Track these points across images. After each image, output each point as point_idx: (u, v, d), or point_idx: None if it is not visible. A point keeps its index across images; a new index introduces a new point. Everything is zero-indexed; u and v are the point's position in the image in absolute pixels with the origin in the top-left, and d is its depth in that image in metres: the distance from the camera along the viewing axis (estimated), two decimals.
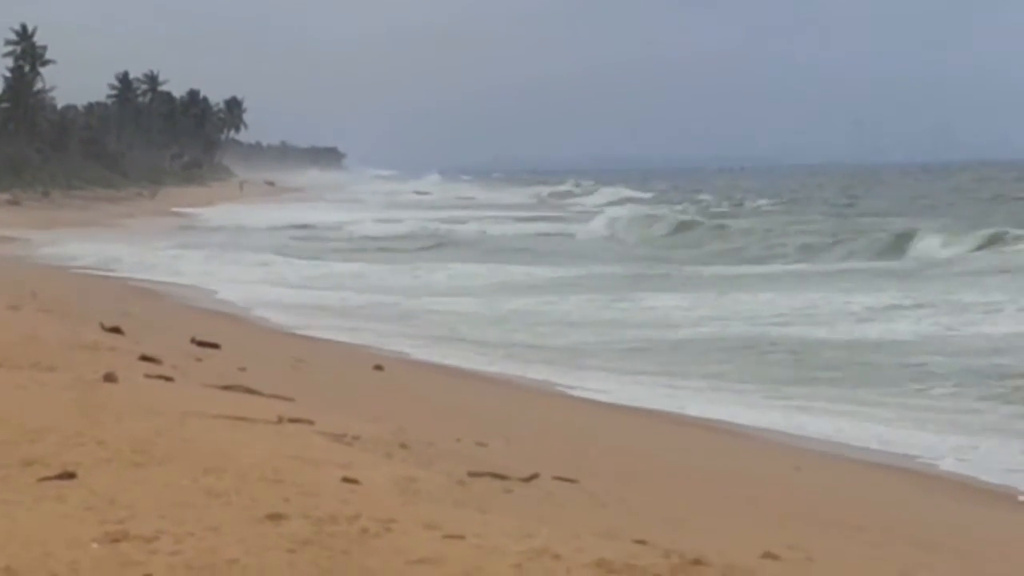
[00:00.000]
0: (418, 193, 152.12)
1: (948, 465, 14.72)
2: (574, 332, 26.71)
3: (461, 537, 6.52)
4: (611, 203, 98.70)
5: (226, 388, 12.37)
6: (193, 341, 17.38)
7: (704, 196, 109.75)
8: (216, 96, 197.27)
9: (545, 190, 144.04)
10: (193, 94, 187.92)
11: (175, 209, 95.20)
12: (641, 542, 7.13)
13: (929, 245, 49.33)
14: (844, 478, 14.17)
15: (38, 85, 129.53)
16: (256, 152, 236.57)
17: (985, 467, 14.64)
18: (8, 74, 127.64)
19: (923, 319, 28.51)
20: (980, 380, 20.17)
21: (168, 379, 12.54)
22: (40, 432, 8.59)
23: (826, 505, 11.90)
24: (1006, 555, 10.99)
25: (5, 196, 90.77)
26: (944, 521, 12.38)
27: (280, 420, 10.06)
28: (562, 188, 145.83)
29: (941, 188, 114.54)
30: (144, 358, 14.10)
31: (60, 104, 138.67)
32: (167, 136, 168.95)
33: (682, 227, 64.53)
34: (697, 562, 6.61)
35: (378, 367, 18.35)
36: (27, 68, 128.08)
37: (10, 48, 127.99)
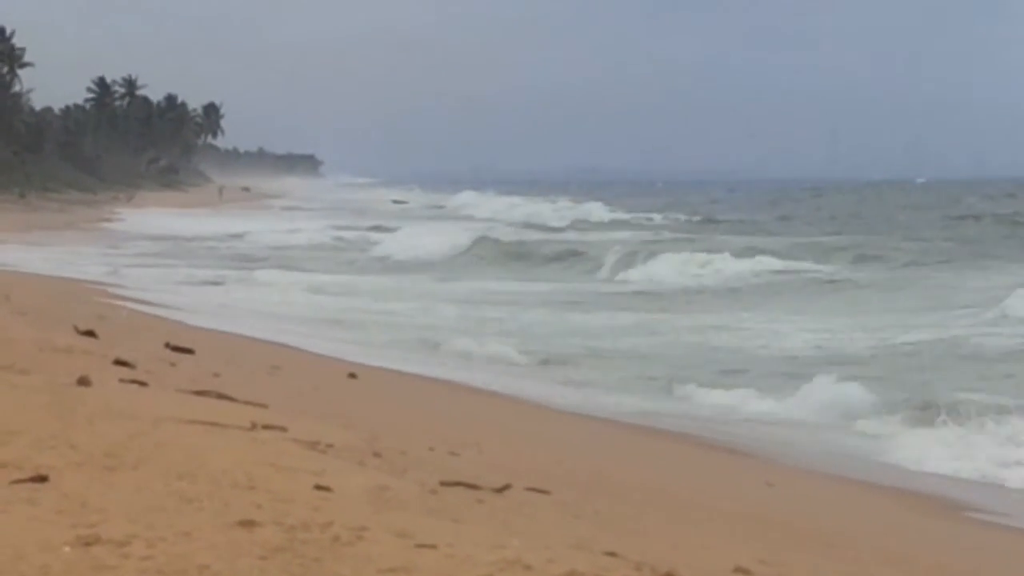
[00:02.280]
0: (396, 202, 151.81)
1: None
2: None
3: (433, 546, 6.53)
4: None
5: (200, 393, 12.34)
6: (167, 346, 17.35)
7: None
8: (194, 101, 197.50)
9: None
10: (171, 99, 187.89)
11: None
12: (612, 554, 7.15)
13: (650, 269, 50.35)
14: (816, 493, 14.22)
15: (15, 87, 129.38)
16: (233, 158, 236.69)
17: None
18: None
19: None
20: None
21: (142, 383, 12.51)
22: (12, 434, 8.56)
23: (798, 520, 11.94)
24: (978, 571, 11.05)
25: None
26: (917, 537, 12.44)
27: (254, 426, 10.05)
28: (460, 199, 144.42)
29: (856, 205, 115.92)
30: (118, 362, 14.07)
31: (37, 106, 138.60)
32: (144, 140, 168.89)
33: (478, 243, 63.62)
34: (668, 575, 6.63)
35: (352, 375, 18.35)
36: (5, 70, 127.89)
37: None
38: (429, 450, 11.04)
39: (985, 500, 14.58)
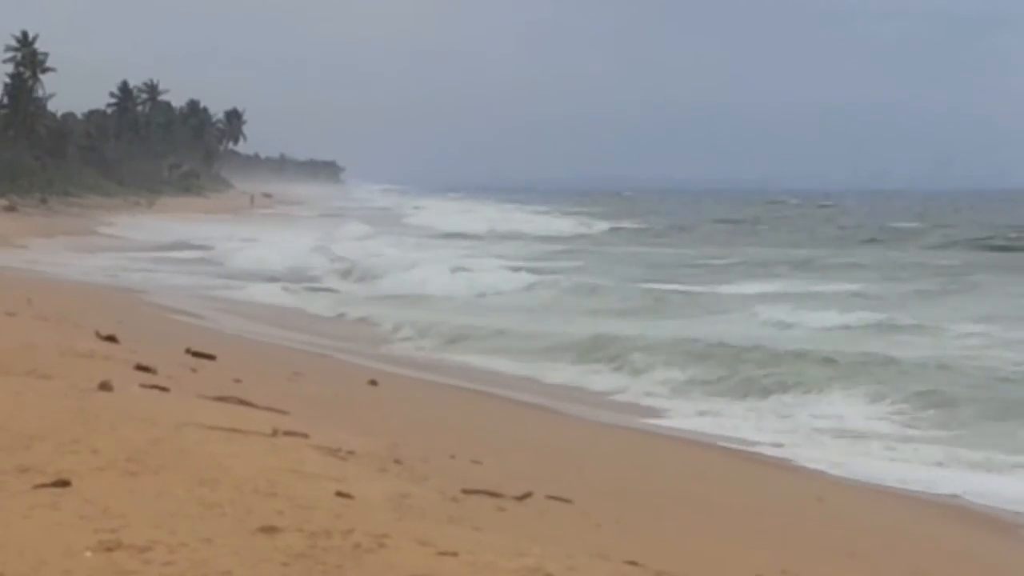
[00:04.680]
0: (416, 208, 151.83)
1: None
2: None
3: (454, 554, 6.52)
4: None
5: (221, 399, 12.35)
6: (188, 351, 17.35)
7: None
8: (216, 107, 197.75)
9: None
10: (193, 104, 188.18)
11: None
12: (633, 563, 7.15)
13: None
14: (849, 506, 14.10)
15: (38, 92, 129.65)
16: (254, 164, 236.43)
17: None
18: (8, 80, 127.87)
19: None
20: None
21: (163, 389, 12.53)
22: (35, 439, 8.58)
23: (828, 532, 11.88)
24: None
25: (2, 202, 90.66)
26: (952, 551, 12.34)
27: (275, 433, 10.05)
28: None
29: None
30: (139, 367, 14.08)
31: (59, 111, 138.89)
32: (165, 146, 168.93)
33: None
34: None
35: (373, 382, 18.34)
36: (27, 75, 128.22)
37: (11, 54, 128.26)
38: (450, 458, 11.03)
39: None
